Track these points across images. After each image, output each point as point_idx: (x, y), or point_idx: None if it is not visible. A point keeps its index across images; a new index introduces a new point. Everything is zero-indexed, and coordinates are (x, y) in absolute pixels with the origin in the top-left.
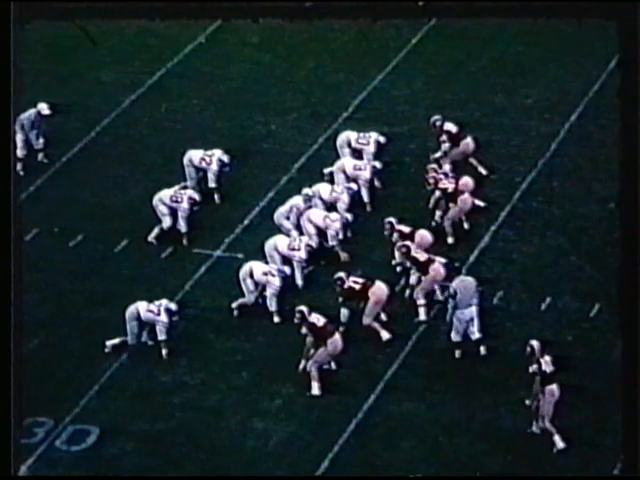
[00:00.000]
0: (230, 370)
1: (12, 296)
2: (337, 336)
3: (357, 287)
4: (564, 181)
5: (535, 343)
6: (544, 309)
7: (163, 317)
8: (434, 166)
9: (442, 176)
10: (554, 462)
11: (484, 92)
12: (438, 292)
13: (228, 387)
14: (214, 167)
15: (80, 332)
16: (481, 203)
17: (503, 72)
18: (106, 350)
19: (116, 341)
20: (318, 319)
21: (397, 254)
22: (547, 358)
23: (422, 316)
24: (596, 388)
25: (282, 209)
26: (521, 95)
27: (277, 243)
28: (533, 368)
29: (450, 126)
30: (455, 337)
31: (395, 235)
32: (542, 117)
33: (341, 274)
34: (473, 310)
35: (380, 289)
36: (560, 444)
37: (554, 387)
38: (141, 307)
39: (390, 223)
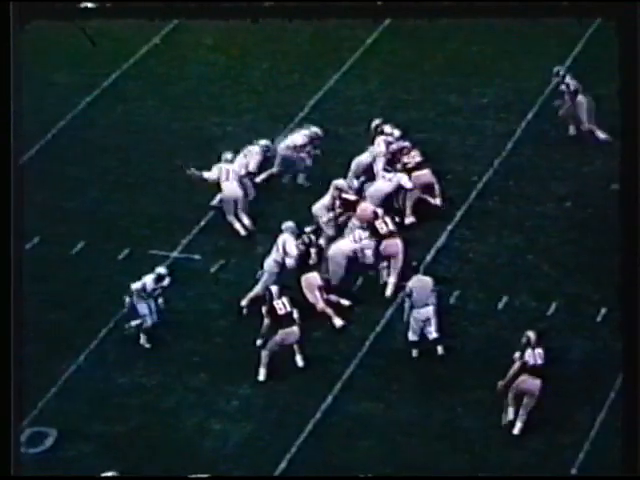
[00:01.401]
0: (187, 371)
1: None
2: (292, 329)
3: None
4: (520, 180)
5: (531, 334)
6: (501, 308)
7: (148, 277)
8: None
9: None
10: (512, 462)
11: (439, 92)
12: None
13: (185, 388)
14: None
15: (36, 334)
16: (437, 201)
17: (458, 71)
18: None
19: (143, 335)
20: (283, 306)
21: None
22: (538, 351)
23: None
24: (552, 387)
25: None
26: (476, 94)
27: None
28: (517, 355)
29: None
30: (412, 337)
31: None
32: (498, 116)
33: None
34: (430, 310)
35: (312, 277)
36: (516, 430)
37: (527, 377)
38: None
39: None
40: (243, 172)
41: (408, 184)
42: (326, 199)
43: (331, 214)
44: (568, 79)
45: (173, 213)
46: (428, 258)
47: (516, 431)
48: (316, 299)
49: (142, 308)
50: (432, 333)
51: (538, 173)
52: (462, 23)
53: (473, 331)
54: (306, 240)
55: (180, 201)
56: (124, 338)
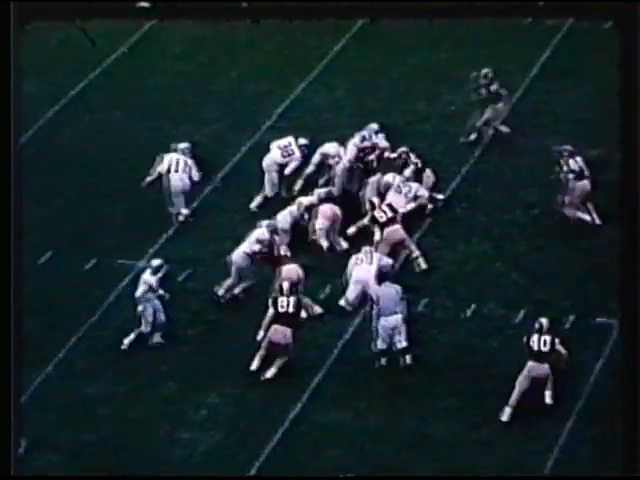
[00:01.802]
0: (156, 381)
1: None
2: (284, 329)
3: (275, 253)
4: (488, 187)
5: (544, 320)
6: (469, 316)
7: (147, 276)
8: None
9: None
10: (481, 469)
11: (407, 99)
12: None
13: (154, 398)
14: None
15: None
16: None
17: (426, 79)
18: (123, 347)
19: (132, 337)
20: (287, 305)
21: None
22: (545, 337)
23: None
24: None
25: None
26: (444, 102)
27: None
28: (524, 340)
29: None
30: (380, 345)
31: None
32: (465, 123)
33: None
34: (398, 318)
35: (291, 270)
36: (505, 416)
37: (534, 364)
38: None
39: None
40: (274, 168)
41: (425, 193)
42: (288, 210)
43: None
44: (495, 83)
45: (140, 222)
46: (396, 266)
47: (548, 400)
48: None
49: (149, 314)
50: (401, 342)
51: (506, 180)
52: (428, 30)
53: (441, 339)
54: (272, 228)
55: (147, 210)
56: (92, 347)
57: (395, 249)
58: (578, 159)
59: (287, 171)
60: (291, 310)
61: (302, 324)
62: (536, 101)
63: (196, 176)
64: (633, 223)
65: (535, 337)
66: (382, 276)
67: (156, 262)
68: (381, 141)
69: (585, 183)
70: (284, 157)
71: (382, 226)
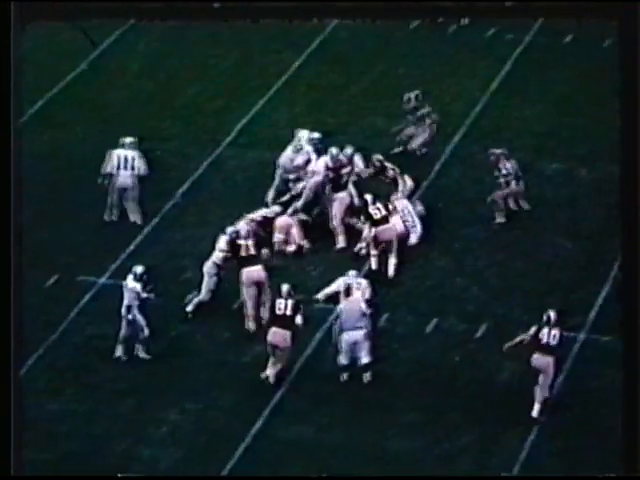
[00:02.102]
0: (116, 397)
1: None
2: (283, 332)
3: (243, 254)
4: (448, 202)
5: (552, 313)
6: (430, 331)
7: (131, 283)
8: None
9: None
10: None
11: (365, 115)
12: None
13: (114, 415)
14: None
15: None
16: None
17: (384, 95)
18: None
19: (138, 346)
20: (284, 307)
21: None
22: (554, 332)
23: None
24: (482, 408)
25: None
26: (403, 117)
27: None
28: (532, 332)
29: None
30: (342, 360)
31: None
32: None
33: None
34: (360, 333)
35: (252, 272)
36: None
37: (538, 356)
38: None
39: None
40: (289, 166)
41: (414, 239)
42: (241, 224)
43: None
44: (426, 106)
45: (101, 239)
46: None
47: (535, 413)
48: (247, 293)
49: (140, 319)
50: (362, 358)
51: (465, 195)
52: (386, 46)
53: (402, 354)
54: (234, 235)
55: (108, 227)
56: (52, 364)
57: (386, 244)
58: (512, 162)
59: (295, 165)
60: (289, 313)
61: (298, 329)
62: (495, 115)
63: (143, 171)
64: (633, 230)
65: (545, 330)
66: (348, 291)
67: (139, 269)
68: (358, 162)
69: (521, 184)
70: (294, 154)
71: (375, 223)
